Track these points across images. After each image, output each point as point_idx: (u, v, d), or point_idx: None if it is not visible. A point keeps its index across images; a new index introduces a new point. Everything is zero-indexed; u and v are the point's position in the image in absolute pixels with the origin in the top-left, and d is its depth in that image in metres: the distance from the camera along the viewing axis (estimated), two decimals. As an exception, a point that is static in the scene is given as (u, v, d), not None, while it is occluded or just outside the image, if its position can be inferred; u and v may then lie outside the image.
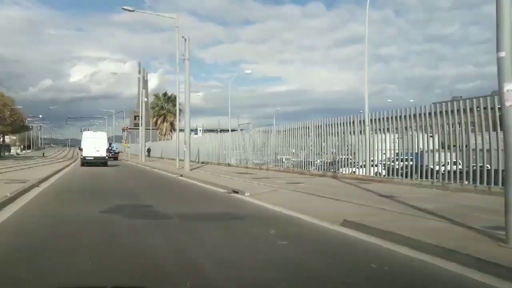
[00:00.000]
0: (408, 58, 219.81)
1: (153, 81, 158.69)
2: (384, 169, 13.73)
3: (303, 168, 18.08)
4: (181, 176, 18.44)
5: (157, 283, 3.48)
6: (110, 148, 37.34)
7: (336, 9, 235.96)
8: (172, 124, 55.93)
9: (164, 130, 55.48)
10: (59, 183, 14.64)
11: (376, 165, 14.20)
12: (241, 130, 47.52)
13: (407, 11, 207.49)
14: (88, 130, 38.69)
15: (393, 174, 12.80)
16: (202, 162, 31.77)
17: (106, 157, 30.01)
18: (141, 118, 42.24)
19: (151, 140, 56.85)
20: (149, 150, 60.20)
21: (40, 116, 61.86)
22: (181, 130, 67.33)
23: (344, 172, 15.55)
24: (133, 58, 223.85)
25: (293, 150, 19.73)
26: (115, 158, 40.79)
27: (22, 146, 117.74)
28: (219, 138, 32.69)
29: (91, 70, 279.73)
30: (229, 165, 26.68)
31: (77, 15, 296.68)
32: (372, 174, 14.01)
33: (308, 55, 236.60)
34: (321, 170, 16.95)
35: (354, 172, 14.95)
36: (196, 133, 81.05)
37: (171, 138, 56.18)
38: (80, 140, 31.55)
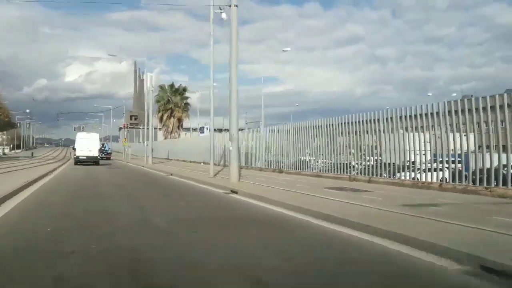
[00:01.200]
0: (404, 59, 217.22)
1: (149, 81, 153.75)
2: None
3: (341, 172, 15.01)
4: (236, 193, 11.05)
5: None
6: (102, 148, 38.29)
7: (333, 9, 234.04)
8: (180, 120, 48.44)
9: (171, 127, 47.91)
10: (13, 221, 7.17)
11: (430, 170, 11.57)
12: (248, 129, 40.62)
13: (404, 12, 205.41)
14: (82, 131, 38.63)
15: None
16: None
17: (98, 157, 31.18)
18: (148, 110, 34.99)
19: (151, 139, 50.07)
20: (151, 150, 52.97)
21: (27, 110, 54.17)
22: (186, 129, 60.03)
23: (404, 177, 12.18)
24: (129, 58, 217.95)
25: (306, 151, 18.17)
26: (108, 158, 41.60)
27: (11, 145, 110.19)
28: (251, 137, 25.42)
29: (87, 69, 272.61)
30: (280, 171, 19.29)
31: (73, 14, 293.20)
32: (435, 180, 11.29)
33: (305, 56, 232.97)
34: (364, 174, 13.80)
35: (414, 178, 11.83)
36: (202, 132, 73.86)
37: (179, 137, 48.73)
38: (74, 140, 32.62)
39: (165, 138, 48.76)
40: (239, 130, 39.87)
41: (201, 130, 76.12)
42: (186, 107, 48.63)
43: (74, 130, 79.30)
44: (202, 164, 30.80)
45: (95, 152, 30.28)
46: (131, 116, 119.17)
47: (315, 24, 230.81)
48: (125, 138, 50.81)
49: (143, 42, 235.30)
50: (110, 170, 25.48)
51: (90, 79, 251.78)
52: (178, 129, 48.51)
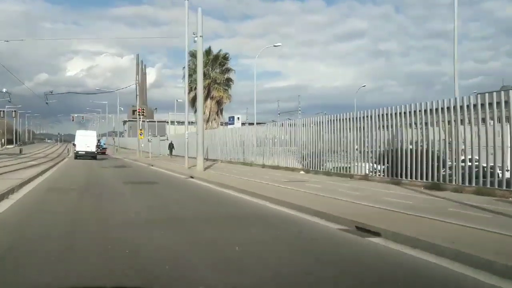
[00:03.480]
0: (408, 53, 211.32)
1: (151, 76, 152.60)
2: None
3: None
4: None
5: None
6: (98, 144, 40.99)
7: (336, 4, 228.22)
8: (220, 103, 34.17)
9: (207, 112, 33.63)
10: None
11: None
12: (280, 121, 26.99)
13: (407, 7, 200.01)
14: (82, 120, 48.66)
15: None
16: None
17: (96, 152, 33.82)
18: (198, 75, 21.22)
19: (202, 126, 39.12)
20: (171, 146, 39.22)
21: (4, 90, 40.36)
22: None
23: None
24: (131, 52, 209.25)
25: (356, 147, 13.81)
26: (103, 153, 44.41)
27: (3, 140, 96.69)
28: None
29: (88, 64, 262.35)
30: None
31: (74, 9, 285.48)
32: None
33: (307, 50, 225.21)
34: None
35: None
36: (232, 123, 59.85)
37: (218, 126, 34.55)
38: (74, 135, 35.94)
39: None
40: (252, 124, 25.75)
41: (231, 120, 61.93)
42: (228, 84, 34.30)
43: (73, 120, 66.62)
44: (301, 172, 16.76)
45: (92, 148, 32.91)
46: (133, 111, 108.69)
47: (317, 19, 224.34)
48: (141, 130, 36.77)
49: (143, 37, 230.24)
50: (142, 191, 11.36)
51: (91, 74, 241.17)
52: (217, 115, 34.25)
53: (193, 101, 34.25)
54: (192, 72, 34.34)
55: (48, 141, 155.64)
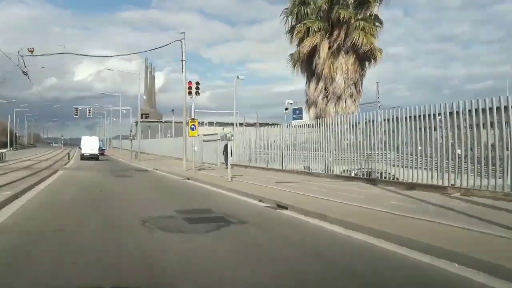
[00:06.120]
0: (417, 57, 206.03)
1: (159, 80, 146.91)
2: None
3: None
4: None
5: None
6: (99, 146, 46.33)
7: None
8: (362, 61, 16.76)
9: (340, 81, 16.38)
10: None
11: None
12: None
13: (416, 11, 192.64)
14: (88, 116, 58.81)
15: None
16: None
17: (98, 154, 40.79)
18: None
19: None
20: (227, 152, 22.01)
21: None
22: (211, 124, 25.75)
23: None
24: (139, 57, 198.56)
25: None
26: (102, 154, 48.58)
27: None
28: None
29: (96, 68, 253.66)
30: None
31: (82, 14, 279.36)
32: None
33: None
34: None
35: None
36: (298, 119, 42.76)
37: (355, 111, 17.12)
38: (80, 139, 45.05)
39: (317, 117, 17.01)
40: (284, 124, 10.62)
41: (297, 113, 44.36)
42: (374, 26, 17.04)
43: (76, 115, 55.91)
44: None
45: (95, 151, 39.93)
46: (142, 115, 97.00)
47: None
48: (193, 120, 19.74)
49: (152, 41, 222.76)
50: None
51: (99, 78, 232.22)
52: (356, 88, 16.89)
53: (310, 57, 16.86)
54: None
55: (55, 145, 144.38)
